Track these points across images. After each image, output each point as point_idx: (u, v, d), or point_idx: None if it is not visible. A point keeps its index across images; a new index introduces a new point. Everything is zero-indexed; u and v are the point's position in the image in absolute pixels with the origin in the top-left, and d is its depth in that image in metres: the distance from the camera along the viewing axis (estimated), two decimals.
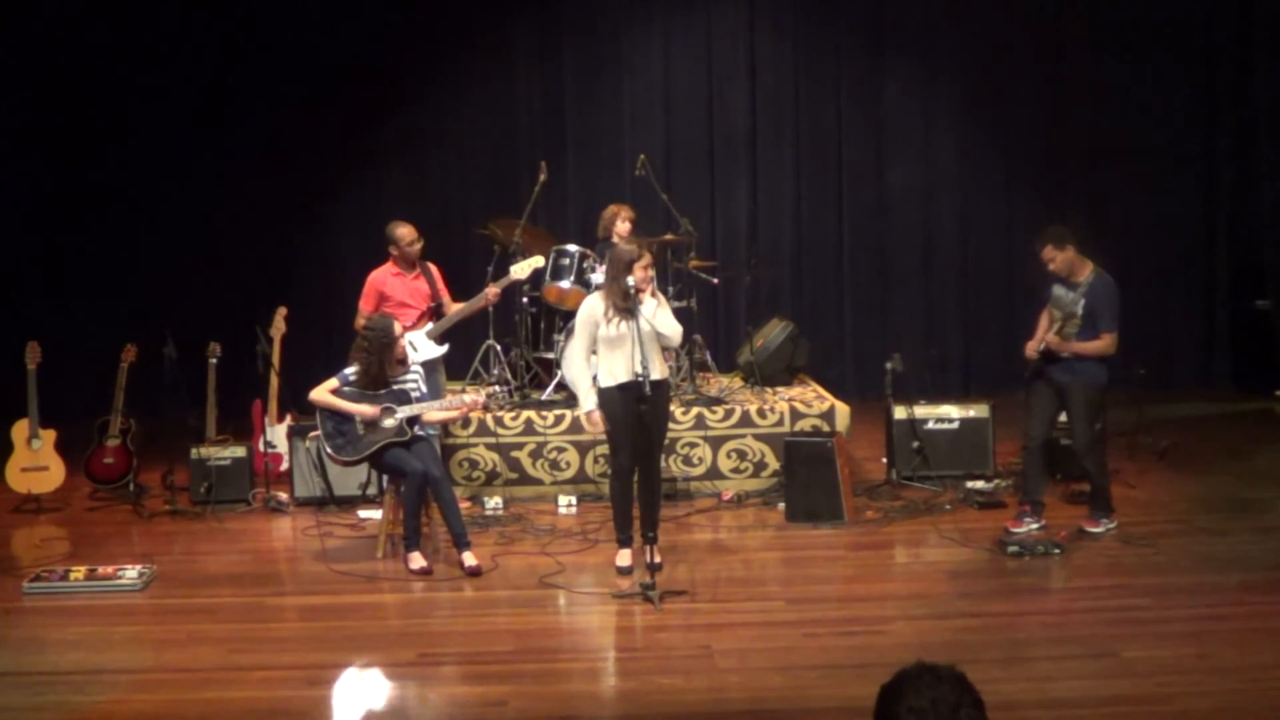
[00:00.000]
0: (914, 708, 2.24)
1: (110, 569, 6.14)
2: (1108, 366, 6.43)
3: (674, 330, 6.07)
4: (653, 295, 6.08)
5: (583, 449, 7.64)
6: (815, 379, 8.91)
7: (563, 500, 7.50)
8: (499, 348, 8.29)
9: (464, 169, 10.85)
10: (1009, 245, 10.83)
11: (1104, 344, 6.31)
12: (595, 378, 6.10)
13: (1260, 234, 10.59)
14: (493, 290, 7.45)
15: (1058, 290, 6.44)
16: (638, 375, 5.74)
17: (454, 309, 7.53)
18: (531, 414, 7.72)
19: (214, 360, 7.94)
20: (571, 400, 7.70)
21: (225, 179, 10.39)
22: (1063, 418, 6.65)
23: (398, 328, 6.50)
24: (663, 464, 6.82)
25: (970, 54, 10.82)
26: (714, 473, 7.69)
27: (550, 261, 7.92)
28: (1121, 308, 6.37)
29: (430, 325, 7.44)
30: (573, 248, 8.05)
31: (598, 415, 6.00)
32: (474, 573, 6.10)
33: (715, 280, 8.90)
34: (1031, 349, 6.45)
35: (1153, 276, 10.81)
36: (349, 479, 7.48)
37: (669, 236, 8.56)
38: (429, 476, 6.23)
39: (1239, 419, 9.73)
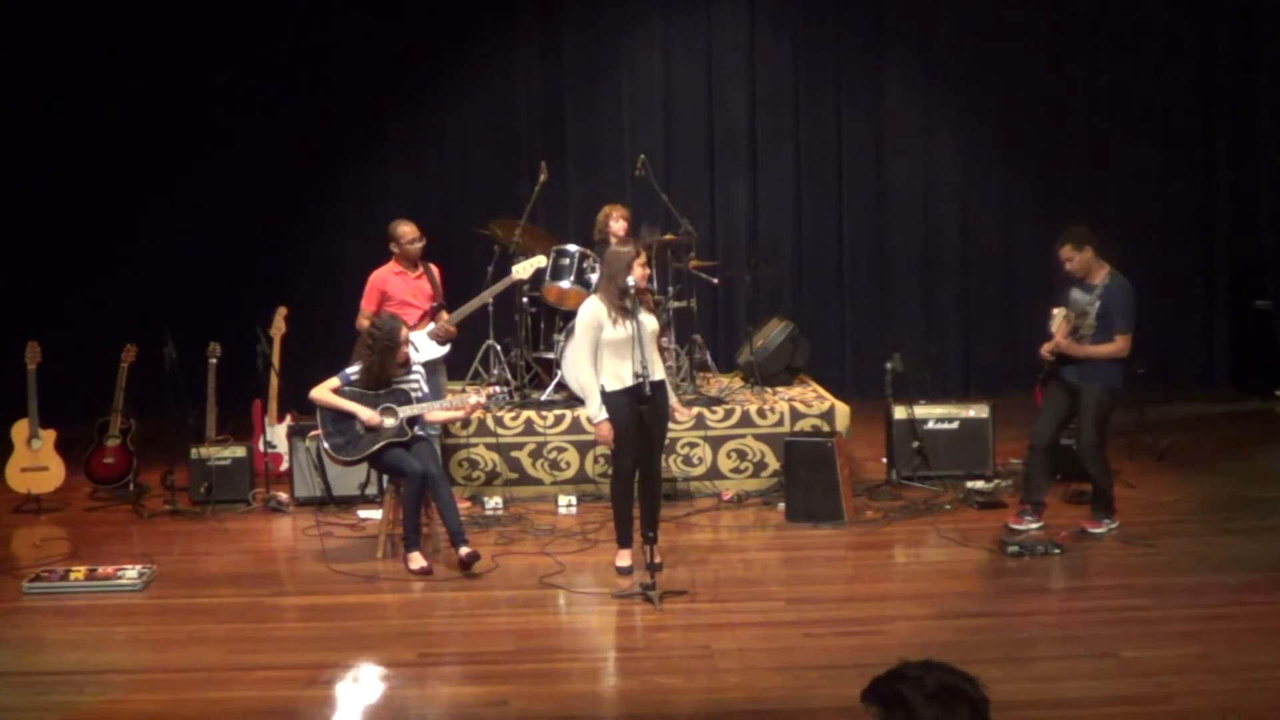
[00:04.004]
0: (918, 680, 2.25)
1: (110, 569, 6.13)
2: (1122, 369, 6.42)
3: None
4: (645, 299, 6.06)
5: (583, 449, 7.63)
6: (815, 379, 8.91)
7: (563, 500, 7.50)
8: (499, 348, 8.29)
9: (464, 169, 10.86)
10: (1009, 245, 10.86)
11: (1116, 346, 6.29)
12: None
13: (1260, 234, 10.59)
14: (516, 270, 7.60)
15: (1074, 292, 6.45)
16: (638, 375, 5.74)
17: (474, 300, 7.52)
18: (531, 414, 7.72)
19: (214, 360, 7.94)
20: (571, 400, 7.72)
21: (225, 179, 10.39)
22: None
23: (404, 331, 6.49)
24: (663, 464, 6.81)
25: (970, 54, 10.83)
26: (714, 473, 7.69)
27: (550, 261, 7.93)
28: (1137, 311, 6.36)
29: (432, 325, 7.43)
30: (573, 248, 8.05)
31: (608, 427, 5.89)
32: (470, 559, 6.08)
33: (715, 280, 8.90)
34: (1046, 350, 6.45)
35: (1153, 276, 10.74)
36: (349, 479, 7.48)
37: (669, 236, 8.56)
38: (427, 476, 6.23)
39: (1239, 419, 9.73)
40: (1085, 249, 6.35)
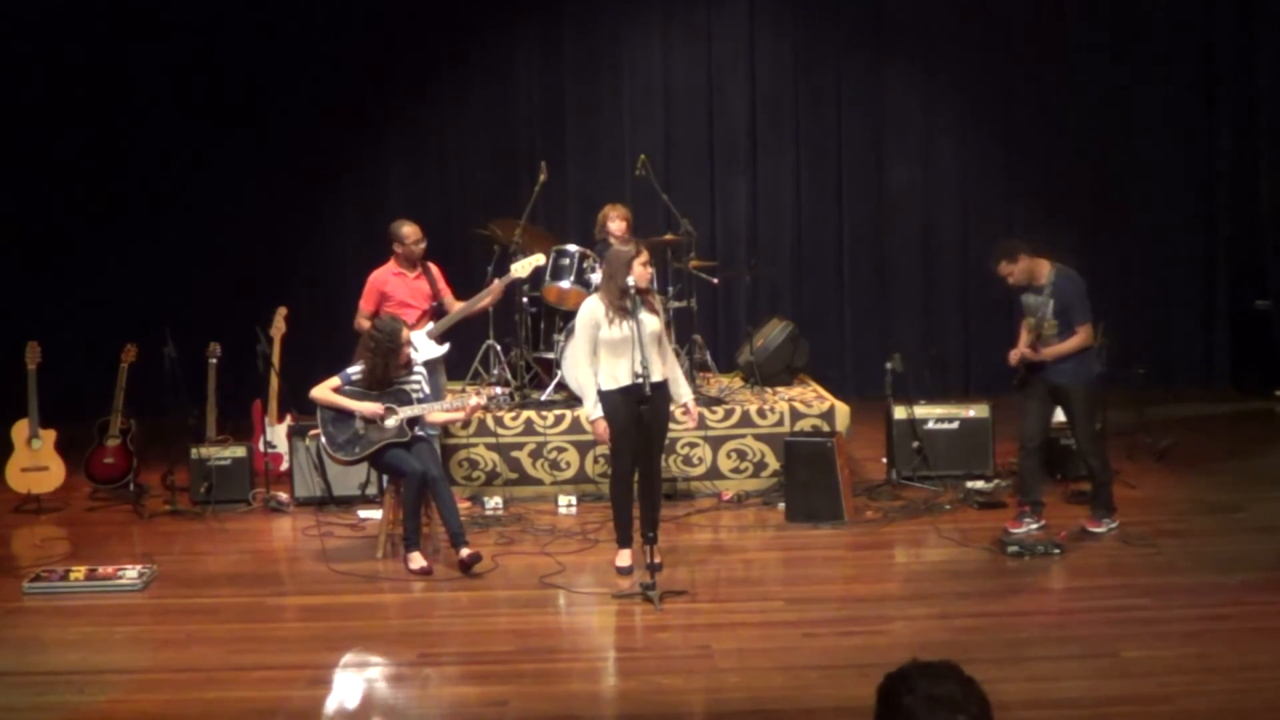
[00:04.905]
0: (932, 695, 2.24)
1: (110, 569, 6.13)
2: (1099, 359, 6.43)
3: (687, 390, 6.28)
4: (649, 300, 6.05)
5: (583, 449, 7.64)
6: (815, 379, 8.91)
7: (563, 500, 7.50)
8: (499, 348, 8.29)
9: (464, 169, 10.86)
10: None
11: (1080, 338, 6.30)
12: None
13: (1260, 234, 10.59)
14: (497, 284, 7.48)
15: (1026, 298, 6.48)
16: (638, 376, 5.73)
17: (456, 307, 7.53)
18: (531, 414, 7.72)
19: (214, 360, 7.94)
20: (571, 400, 7.71)
21: (225, 179, 10.40)
22: (1059, 417, 6.66)
23: (405, 333, 6.49)
24: (663, 464, 6.81)
25: (970, 53, 10.83)
26: (714, 473, 7.69)
27: (550, 261, 7.93)
28: (1090, 296, 6.36)
29: (431, 325, 7.44)
30: (573, 248, 8.05)
31: (603, 425, 5.92)
32: (471, 561, 6.09)
33: (715, 280, 8.89)
34: (1014, 357, 6.46)
35: (1153, 276, 10.83)
36: (349, 479, 7.48)
37: (669, 236, 8.56)
38: (427, 476, 6.23)
39: (1239, 419, 9.73)
40: (1019, 258, 6.36)
